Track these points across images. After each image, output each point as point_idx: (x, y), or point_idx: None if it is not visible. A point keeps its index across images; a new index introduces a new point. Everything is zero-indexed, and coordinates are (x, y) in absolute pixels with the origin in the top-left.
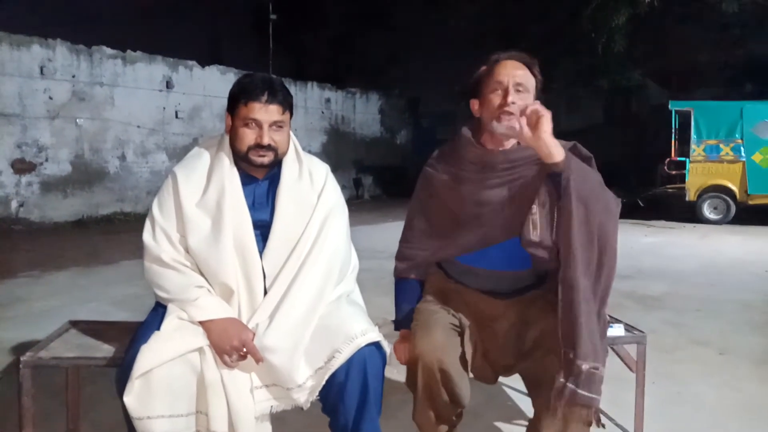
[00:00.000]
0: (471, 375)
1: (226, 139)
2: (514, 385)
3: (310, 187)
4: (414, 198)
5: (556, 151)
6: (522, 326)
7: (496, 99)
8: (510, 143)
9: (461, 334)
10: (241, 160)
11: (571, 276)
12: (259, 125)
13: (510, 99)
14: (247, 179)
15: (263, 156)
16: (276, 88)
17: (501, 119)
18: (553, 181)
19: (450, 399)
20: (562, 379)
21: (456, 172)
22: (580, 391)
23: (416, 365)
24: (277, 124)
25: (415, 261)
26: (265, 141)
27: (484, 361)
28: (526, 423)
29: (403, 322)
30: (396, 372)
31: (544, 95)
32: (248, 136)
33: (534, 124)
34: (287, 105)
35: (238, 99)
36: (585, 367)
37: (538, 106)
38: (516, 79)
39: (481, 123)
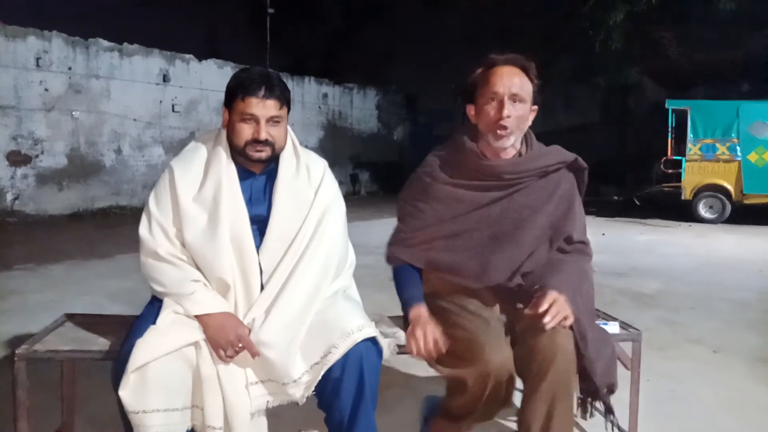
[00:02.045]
0: None
1: (223, 133)
2: None
3: (308, 183)
4: (405, 201)
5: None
6: (510, 315)
7: (491, 111)
8: (509, 153)
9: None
10: (238, 154)
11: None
12: (257, 120)
13: (505, 113)
14: (244, 174)
15: (260, 151)
16: (273, 82)
17: (497, 135)
18: None
19: (504, 403)
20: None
21: (457, 181)
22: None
23: (484, 376)
24: (274, 119)
25: (410, 246)
26: (263, 136)
27: None
28: None
29: (411, 299)
30: (392, 368)
31: (540, 94)
32: (245, 131)
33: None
34: (285, 100)
35: (235, 94)
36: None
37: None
38: (512, 89)
39: (477, 130)
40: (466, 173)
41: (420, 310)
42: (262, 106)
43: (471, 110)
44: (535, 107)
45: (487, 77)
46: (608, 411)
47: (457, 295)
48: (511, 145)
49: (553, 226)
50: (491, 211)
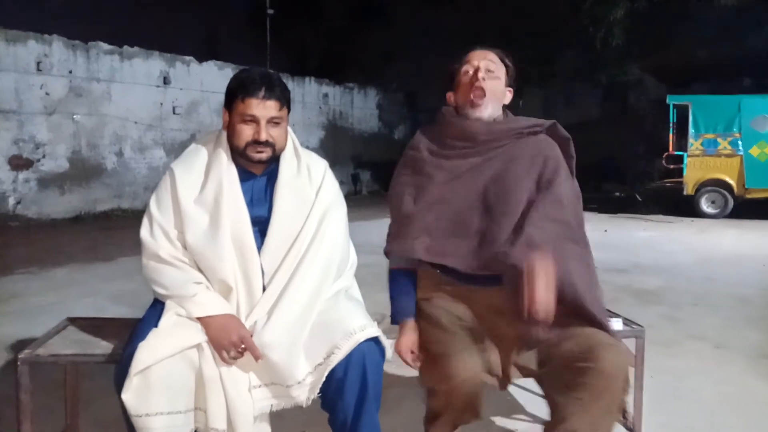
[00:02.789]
0: (494, 384)
1: (224, 135)
2: None
3: (309, 183)
4: (396, 184)
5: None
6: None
7: (466, 79)
8: (486, 112)
9: (481, 341)
10: (239, 156)
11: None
12: (257, 121)
13: (480, 75)
14: (245, 175)
15: (261, 152)
16: (273, 83)
17: (473, 103)
18: None
19: (473, 416)
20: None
21: (438, 149)
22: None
23: (449, 389)
24: (274, 120)
25: (407, 245)
26: (263, 137)
27: (499, 360)
28: (525, 417)
29: (400, 313)
30: (395, 367)
31: (541, 90)
32: (246, 132)
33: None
34: (285, 100)
35: (235, 95)
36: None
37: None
38: (487, 65)
39: (457, 111)
40: (445, 142)
41: (406, 324)
42: (263, 107)
43: (450, 97)
44: (511, 89)
45: (463, 60)
46: None
47: (444, 302)
48: (488, 115)
49: (540, 189)
50: (474, 179)
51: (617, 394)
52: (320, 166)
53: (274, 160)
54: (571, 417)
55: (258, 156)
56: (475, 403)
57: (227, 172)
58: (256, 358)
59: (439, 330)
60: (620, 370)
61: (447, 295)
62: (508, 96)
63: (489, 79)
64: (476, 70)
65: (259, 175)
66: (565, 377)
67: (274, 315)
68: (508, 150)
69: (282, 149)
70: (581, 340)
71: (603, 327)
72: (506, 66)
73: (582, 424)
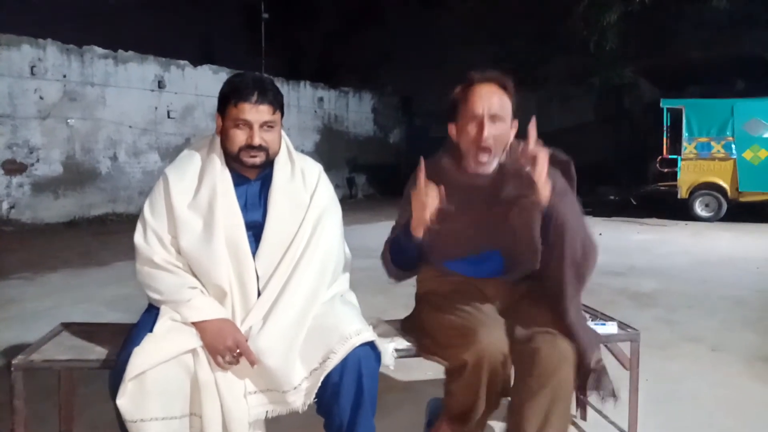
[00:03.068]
0: None
1: (217, 139)
2: None
3: (303, 187)
4: (399, 213)
5: (545, 194)
6: (513, 316)
7: (472, 131)
8: (491, 167)
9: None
10: (232, 160)
11: (564, 291)
12: (250, 126)
13: (485, 135)
14: (239, 180)
15: (254, 156)
16: (266, 87)
17: (477, 159)
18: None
19: (503, 390)
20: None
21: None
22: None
23: (478, 360)
24: (267, 124)
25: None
26: (256, 141)
27: None
28: None
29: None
30: (391, 371)
31: (535, 94)
32: (239, 137)
33: (533, 164)
34: (278, 105)
35: (228, 99)
36: (595, 363)
37: (537, 148)
38: (491, 110)
39: (459, 148)
40: (448, 190)
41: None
42: (255, 112)
43: (452, 129)
44: (515, 122)
45: (467, 97)
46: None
47: (453, 287)
48: (492, 168)
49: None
50: (481, 229)
51: (561, 384)
52: (315, 170)
53: (268, 165)
54: (523, 409)
55: (251, 160)
56: (505, 373)
57: (221, 176)
58: (252, 363)
59: (459, 310)
60: (560, 359)
61: (452, 285)
62: (512, 134)
63: (494, 125)
64: (481, 126)
65: (253, 180)
66: (521, 367)
67: (269, 320)
68: (513, 191)
69: (276, 154)
70: (524, 331)
71: (565, 307)
72: (509, 95)
73: (532, 418)
